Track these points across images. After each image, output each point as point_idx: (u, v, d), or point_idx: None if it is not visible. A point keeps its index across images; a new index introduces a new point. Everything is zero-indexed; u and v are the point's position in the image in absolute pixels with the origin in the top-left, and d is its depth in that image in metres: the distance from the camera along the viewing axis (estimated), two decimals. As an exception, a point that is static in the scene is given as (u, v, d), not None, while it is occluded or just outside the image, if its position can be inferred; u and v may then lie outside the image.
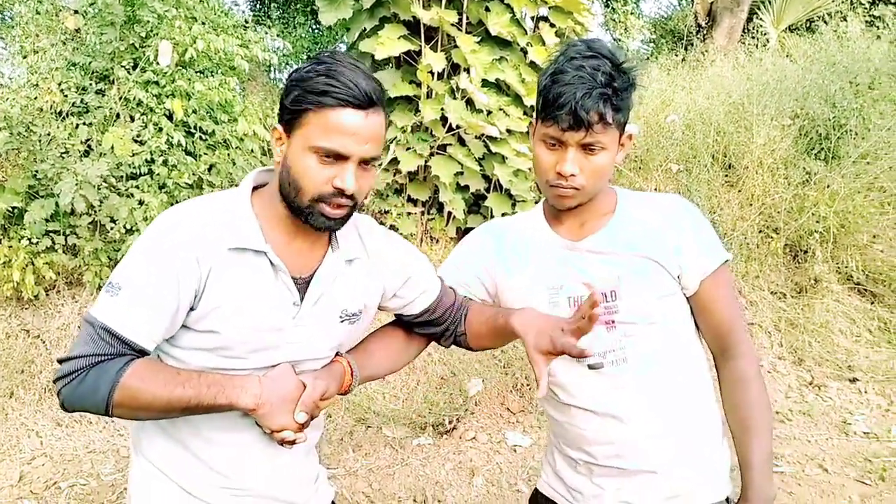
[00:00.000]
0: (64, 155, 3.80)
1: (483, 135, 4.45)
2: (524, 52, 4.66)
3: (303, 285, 1.28)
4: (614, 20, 11.41)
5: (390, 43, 4.34)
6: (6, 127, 3.76)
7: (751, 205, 5.08)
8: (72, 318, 3.85)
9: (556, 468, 1.54)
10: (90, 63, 4.05)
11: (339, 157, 1.17)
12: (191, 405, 1.17)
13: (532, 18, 4.86)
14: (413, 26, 4.50)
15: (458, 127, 4.42)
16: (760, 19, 8.64)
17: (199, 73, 4.34)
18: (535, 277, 1.44)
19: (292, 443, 1.26)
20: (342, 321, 1.33)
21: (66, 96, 3.98)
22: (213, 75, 4.42)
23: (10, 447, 3.36)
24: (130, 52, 4.09)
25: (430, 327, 1.51)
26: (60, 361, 1.15)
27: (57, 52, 4.17)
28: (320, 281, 1.29)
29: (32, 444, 3.40)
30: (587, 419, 1.42)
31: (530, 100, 4.53)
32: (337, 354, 1.39)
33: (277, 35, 7.35)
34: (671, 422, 1.40)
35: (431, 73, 4.36)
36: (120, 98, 4.02)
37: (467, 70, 4.39)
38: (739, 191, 5.18)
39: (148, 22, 4.02)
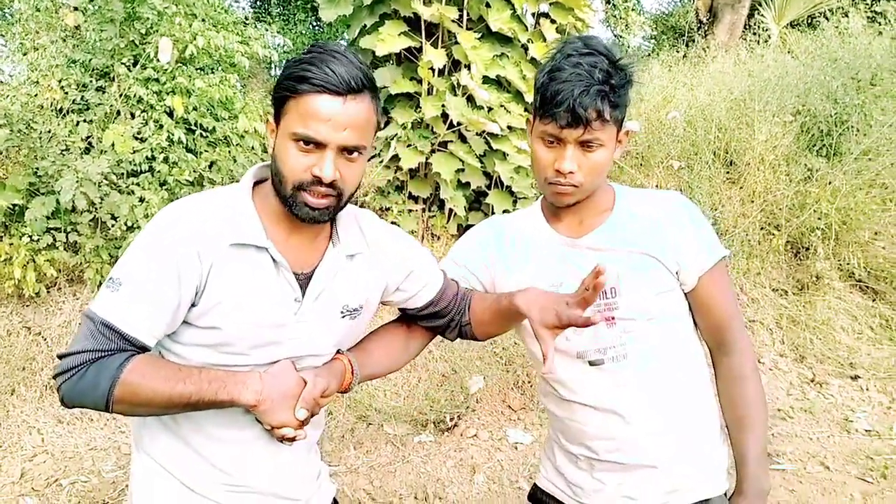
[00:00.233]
0: (64, 152, 3.80)
1: (484, 131, 4.44)
2: (525, 48, 4.65)
3: (304, 281, 1.28)
4: (615, 16, 11.39)
5: (391, 39, 4.33)
6: (7, 124, 3.75)
7: (752, 201, 5.07)
8: (73, 316, 3.85)
9: (556, 463, 1.54)
10: (90, 60, 4.05)
11: (318, 145, 1.16)
12: (191, 401, 1.17)
13: (533, 15, 4.85)
14: (414, 23, 4.49)
15: (458, 124, 4.41)
16: (762, 15, 8.63)
17: (199, 70, 4.34)
18: (535, 275, 1.44)
19: (292, 440, 1.26)
20: (343, 316, 1.33)
21: (66, 93, 3.98)
22: (213, 72, 4.41)
23: (12, 444, 3.36)
24: (130, 48, 4.08)
25: (435, 320, 1.50)
26: (60, 357, 1.15)
27: (57, 49, 4.16)
28: (321, 276, 1.29)
29: (34, 441, 3.40)
30: (588, 415, 1.42)
31: (531, 96, 4.52)
32: (338, 352, 1.39)
33: (278, 32, 7.34)
34: (671, 418, 1.40)
35: (432, 69, 4.35)
36: (120, 95, 4.02)
37: (468, 67, 4.38)
38: (741, 187, 5.17)
39: (148, 19, 4.02)
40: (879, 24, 7.87)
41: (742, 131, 5.28)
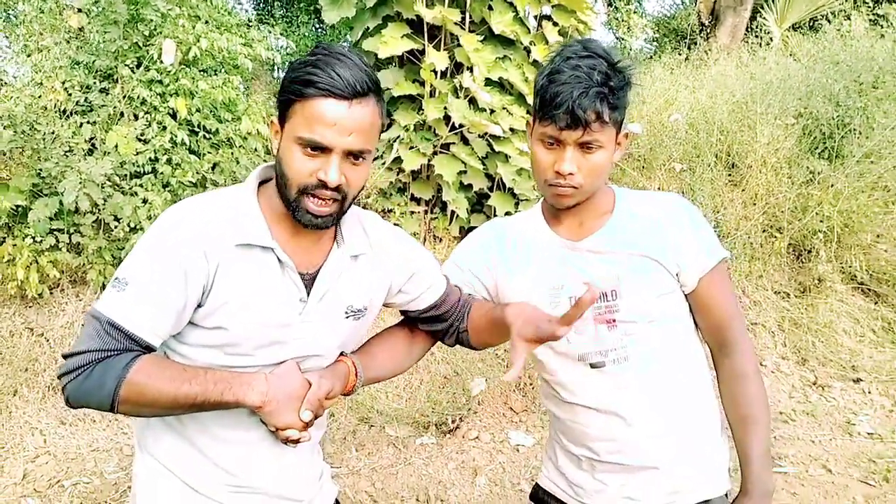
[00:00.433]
0: (68, 153, 3.80)
1: (486, 134, 4.45)
2: (527, 50, 4.65)
3: (309, 281, 1.28)
4: (617, 19, 11.40)
5: (393, 42, 4.34)
6: (10, 125, 3.76)
7: (754, 204, 5.07)
8: (76, 317, 3.86)
9: (557, 463, 1.55)
10: (94, 61, 4.05)
11: (323, 150, 1.16)
12: (197, 402, 1.17)
13: (535, 17, 4.85)
14: (416, 25, 4.49)
15: (461, 126, 4.41)
16: (764, 18, 8.62)
17: (202, 72, 4.35)
18: (537, 278, 1.44)
19: (296, 441, 1.26)
20: (347, 317, 1.34)
21: (69, 95, 3.99)
22: (216, 74, 4.42)
23: (14, 445, 3.37)
24: (134, 50, 4.09)
25: (436, 323, 1.50)
26: (65, 357, 1.14)
27: (61, 50, 4.17)
28: (326, 277, 1.29)
29: (36, 443, 3.40)
30: (590, 417, 1.43)
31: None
32: (342, 354, 1.40)
33: (281, 34, 7.36)
34: (672, 419, 1.41)
35: (434, 71, 4.36)
36: (124, 97, 4.03)
37: (470, 69, 4.39)
38: (743, 190, 5.17)
39: (151, 21, 4.03)
40: (881, 27, 7.86)
41: (744, 134, 5.28)
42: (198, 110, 4.14)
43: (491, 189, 4.72)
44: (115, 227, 3.78)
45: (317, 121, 1.14)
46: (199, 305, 1.20)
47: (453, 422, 3.75)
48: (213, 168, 4.20)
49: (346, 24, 4.85)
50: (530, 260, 1.47)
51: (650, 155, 5.41)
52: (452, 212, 4.72)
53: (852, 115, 5.13)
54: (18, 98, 3.97)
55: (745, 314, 4.51)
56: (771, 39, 8.27)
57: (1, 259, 3.62)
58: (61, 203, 3.61)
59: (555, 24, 4.70)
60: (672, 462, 1.40)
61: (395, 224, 4.59)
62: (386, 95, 4.63)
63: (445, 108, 4.38)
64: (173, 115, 4.07)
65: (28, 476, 3.19)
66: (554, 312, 1.40)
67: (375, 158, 4.59)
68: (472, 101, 4.45)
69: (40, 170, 3.71)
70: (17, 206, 3.67)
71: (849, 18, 8.29)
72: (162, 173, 3.96)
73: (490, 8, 4.50)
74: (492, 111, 4.47)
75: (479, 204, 4.90)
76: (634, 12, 11.46)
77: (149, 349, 1.18)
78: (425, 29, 4.46)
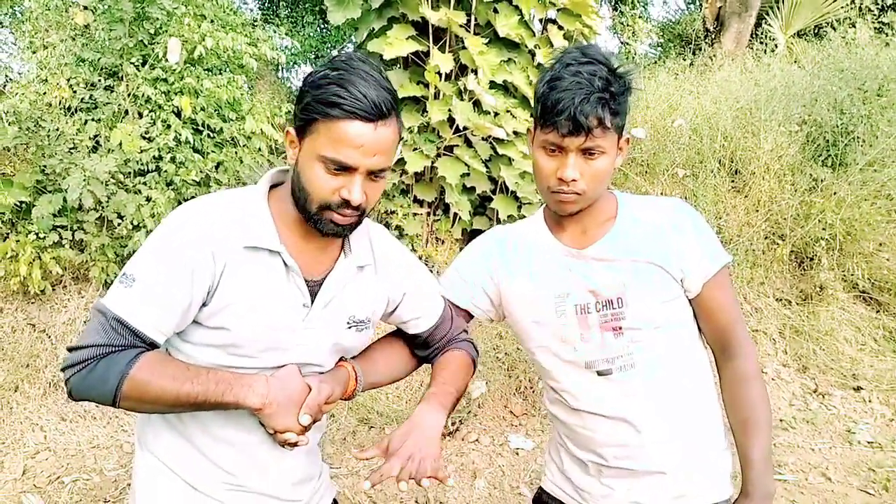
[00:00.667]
0: (72, 150, 3.81)
1: (490, 136, 4.45)
2: (532, 54, 4.65)
3: (314, 288, 1.29)
4: (622, 23, 11.40)
5: (398, 43, 4.34)
6: (15, 122, 3.77)
7: (757, 211, 5.07)
8: (78, 314, 3.86)
9: (562, 468, 1.55)
10: (99, 59, 4.06)
11: (346, 169, 1.17)
12: (198, 401, 1.18)
13: (540, 20, 4.85)
14: (421, 27, 4.50)
15: (465, 128, 4.41)
16: (769, 24, 8.62)
17: (207, 71, 4.36)
18: (540, 285, 1.44)
19: (294, 444, 1.27)
20: (349, 327, 1.34)
21: (74, 92, 4.00)
22: (221, 73, 4.43)
23: (15, 441, 3.37)
24: (139, 48, 4.10)
25: (420, 349, 1.53)
26: (70, 350, 1.15)
27: (66, 47, 4.18)
28: (331, 285, 1.30)
29: (36, 439, 3.41)
30: (598, 423, 1.43)
31: (538, 102, 4.52)
32: (341, 359, 1.40)
33: (286, 34, 7.37)
34: (678, 425, 1.42)
35: (439, 73, 4.35)
36: (128, 94, 4.03)
37: (475, 71, 4.39)
38: (746, 196, 5.17)
39: (157, 19, 4.04)
40: (886, 34, 7.86)
41: (748, 140, 5.28)
42: (202, 109, 4.15)
43: (494, 192, 4.72)
44: (119, 224, 3.78)
45: (343, 143, 1.14)
46: (204, 304, 1.21)
47: (453, 424, 3.75)
48: (216, 167, 4.21)
49: (351, 25, 4.85)
50: (532, 265, 1.47)
51: (653, 160, 5.41)
52: (455, 214, 4.72)
53: (856, 123, 5.13)
54: (23, 95, 3.98)
55: (745, 321, 4.50)
56: (776, 46, 8.27)
57: (4, 255, 3.63)
58: (65, 200, 3.62)
59: (560, 27, 4.70)
60: (678, 467, 1.41)
61: (397, 226, 4.60)
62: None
63: (449, 110, 4.38)
64: (178, 114, 4.08)
65: (28, 472, 3.20)
66: (559, 320, 1.41)
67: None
68: (477, 104, 4.45)
69: (44, 166, 3.72)
70: (21, 203, 3.68)
71: (854, 26, 8.29)
72: (166, 171, 3.96)
73: (495, 11, 4.50)
74: (496, 114, 4.47)
75: (481, 206, 4.90)
76: (640, 17, 11.46)
77: (153, 346, 1.18)
78: (430, 31, 4.46)
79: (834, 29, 7.55)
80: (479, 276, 1.54)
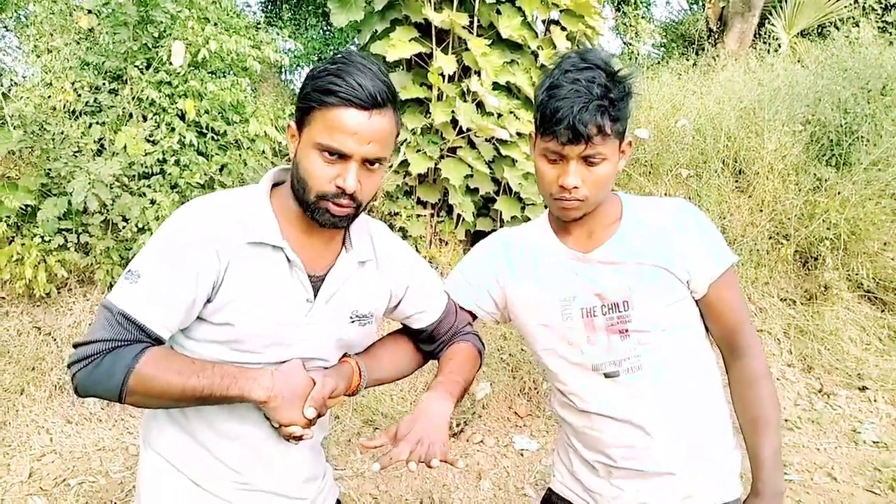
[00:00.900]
0: (77, 154, 3.82)
1: (493, 138, 4.45)
2: (535, 55, 4.66)
3: (317, 283, 1.30)
4: (625, 24, 11.39)
5: (401, 45, 4.34)
6: (20, 125, 3.79)
7: (761, 211, 5.06)
8: (83, 316, 3.87)
9: (572, 469, 1.55)
10: (103, 62, 4.08)
11: (342, 157, 1.19)
12: (203, 395, 1.19)
13: (543, 22, 4.85)
14: (424, 29, 4.50)
15: (468, 130, 4.42)
16: (772, 24, 8.61)
17: (211, 74, 4.37)
18: (546, 289, 1.45)
19: (299, 438, 1.28)
20: (352, 322, 1.35)
21: (79, 95, 4.01)
22: (225, 76, 4.44)
23: (21, 444, 3.38)
24: (143, 52, 4.11)
25: (426, 344, 1.54)
26: (76, 346, 1.16)
27: (70, 51, 4.20)
28: (333, 280, 1.31)
29: (42, 441, 3.42)
30: (606, 424, 1.44)
31: (541, 103, 4.52)
32: (345, 355, 1.41)
33: (289, 36, 7.39)
34: (685, 426, 1.42)
35: (442, 75, 4.36)
36: (133, 98, 4.05)
37: (478, 73, 4.39)
38: (750, 196, 5.17)
39: (161, 22, 4.05)
40: (890, 34, 7.86)
41: (751, 140, 5.27)
42: (206, 112, 4.16)
43: (497, 193, 4.73)
44: (123, 227, 3.79)
45: (337, 129, 1.17)
46: (209, 301, 1.22)
47: (458, 425, 3.75)
48: (220, 169, 4.22)
49: (354, 27, 4.86)
50: (538, 269, 1.47)
51: (657, 160, 5.41)
52: (459, 215, 4.72)
53: (860, 123, 5.12)
54: (28, 98, 4.00)
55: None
56: (779, 46, 8.26)
57: (9, 258, 3.64)
58: (70, 203, 3.63)
59: (563, 28, 4.70)
60: (687, 467, 1.41)
61: (401, 227, 4.60)
62: (393, 99, 4.64)
63: (453, 111, 4.39)
64: (182, 117, 4.09)
65: (34, 474, 3.21)
66: (565, 324, 1.42)
67: (382, 161, 4.60)
68: (480, 105, 4.45)
69: (49, 170, 3.74)
70: (26, 206, 3.69)
71: (857, 25, 8.28)
72: (170, 174, 3.98)
73: (498, 12, 4.50)
74: (499, 115, 4.47)
75: (485, 208, 4.91)
76: (642, 17, 11.46)
77: (158, 341, 1.20)
78: (433, 33, 4.47)
79: (837, 28, 7.55)
80: (484, 278, 1.55)
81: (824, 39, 7.68)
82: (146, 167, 3.93)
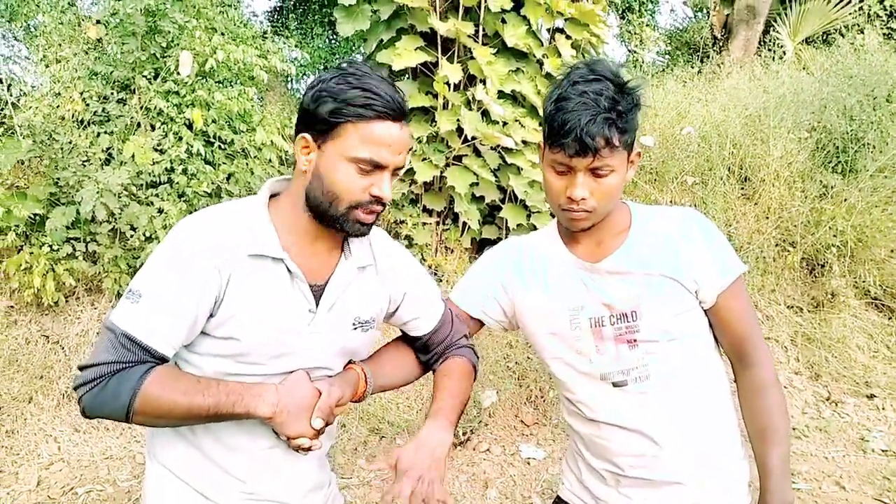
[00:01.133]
0: (85, 163, 3.85)
1: (498, 146, 4.46)
2: (540, 63, 4.67)
3: (318, 292, 1.30)
4: (630, 32, 11.42)
5: (407, 54, 4.37)
6: (29, 135, 3.82)
7: (767, 218, 5.05)
8: (91, 325, 3.89)
9: (580, 477, 1.55)
10: (112, 72, 4.11)
11: (376, 167, 1.22)
12: (210, 413, 1.19)
13: (548, 30, 4.87)
14: (430, 38, 4.53)
15: (473, 138, 4.43)
16: (777, 32, 8.62)
17: (218, 84, 4.40)
18: (555, 298, 1.45)
19: (308, 449, 1.28)
20: (355, 328, 1.36)
21: (87, 105, 4.04)
22: (232, 85, 4.47)
23: (29, 452, 3.39)
24: (151, 62, 4.14)
25: (422, 354, 1.54)
26: (81, 368, 1.16)
27: (79, 61, 4.23)
28: (334, 288, 1.32)
29: (50, 450, 3.43)
30: (614, 433, 1.44)
31: (546, 111, 4.53)
32: (350, 362, 1.42)
33: (295, 46, 7.43)
34: (693, 435, 1.42)
35: (448, 84, 4.38)
36: (141, 107, 4.08)
37: (483, 81, 4.41)
38: (756, 204, 5.16)
39: (169, 33, 4.08)
40: (895, 41, 7.84)
41: (757, 147, 5.27)
42: (213, 121, 4.19)
43: (503, 201, 4.74)
44: (131, 236, 3.82)
45: (375, 142, 1.20)
46: (211, 316, 1.22)
47: (464, 434, 3.75)
48: (227, 178, 4.24)
49: (360, 37, 4.89)
50: (548, 278, 1.47)
51: (662, 168, 5.41)
52: (464, 223, 4.73)
53: (866, 130, 5.12)
54: (37, 108, 4.03)
55: (757, 328, 4.49)
56: (784, 53, 8.26)
57: (18, 267, 3.67)
58: (78, 212, 3.66)
59: (568, 37, 4.72)
60: (695, 476, 1.41)
61: (406, 235, 4.60)
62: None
63: (458, 120, 4.41)
64: (189, 126, 4.12)
65: (42, 483, 3.22)
66: (573, 333, 1.42)
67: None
68: (485, 114, 4.47)
69: (58, 179, 3.76)
70: (35, 215, 3.72)
71: (862, 32, 8.27)
72: (178, 183, 4.00)
73: (503, 21, 4.52)
74: (504, 123, 4.49)
75: (490, 216, 4.91)
76: (647, 25, 11.48)
77: (163, 360, 1.20)
78: (439, 41, 4.49)
79: (842, 35, 7.54)
80: (492, 286, 1.55)
81: (829, 46, 7.67)
82: (154, 176, 3.95)
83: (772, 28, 8.74)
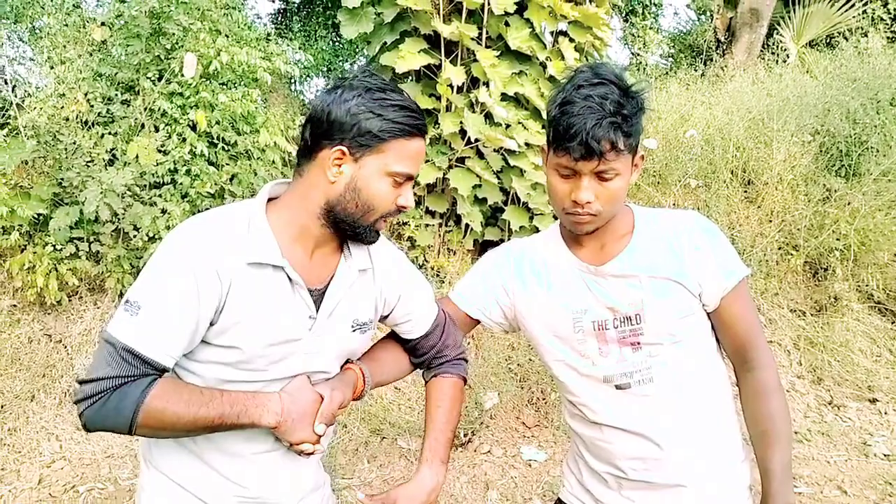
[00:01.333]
0: (89, 163, 3.87)
1: (501, 148, 4.47)
2: (543, 66, 4.68)
3: (318, 296, 1.30)
4: (633, 35, 11.42)
5: (411, 57, 4.38)
6: (33, 135, 3.84)
7: (770, 221, 5.05)
8: (93, 324, 3.90)
9: (581, 479, 1.55)
10: (116, 74, 4.12)
11: (407, 179, 1.28)
12: (214, 425, 1.18)
13: (551, 33, 4.88)
14: (433, 40, 4.54)
15: (476, 140, 4.44)
16: (780, 35, 8.61)
17: (222, 85, 4.41)
18: (558, 301, 1.45)
19: (311, 453, 1.29)
20: (354, 330, 1.36)
21: (91, 106, 4.06)
22: (236, 87, 4.48)
23: (31, 450, 3.40)
24: (156, 63, 4.16)
25: (413, 355, 1.55)
26: (81, 383, 1.14)
27: (84, 62, 4.24)
28: (334, 292, 1.32)
29: (52, 448, 3.44)
30: (617, 436, 1.43)
31: (549, 114, 4.53)
32: (347, 361, 1.42)
33: (299, 48, 7.44)
34: (696, 438, 1.41)
35: (451, 86, 4.39)
36: (145, 108, 4.09)
37: (486, 84, 4.42)
38: (759, 207, 5.16)
39: (173, 34, 4.09)
40: (899, 44, 7.82)
41: (760, 151, 5.27)
42: (217, 122, 4.20)
43: (505, 203, 4.74)
44: (135, 236, 3.83)
45: (412, 157, 1.27)
46: (212, 324, 1.20)
47: (465, 435, 3.75)
48: (231, 179, 4.25)
49: (363, 39, 4.89)
50: (550, 281, 1.47)
51: (665, 171, 5.41)
52: (467, 225, 4.73)
53: (869, 133, 5.11)
54: (42, 109, 4.04)
55: (759, 332, 4.48)
56: (787, 56, 8.25)
57: (21, 266, 3.68)
58: (82, 212, 3.67)
59: (571, 40, 4.72)
60: (697, 479, 1.41)
61: (409, 237, 4.60)
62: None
63: (461, 122, 4.41)
64: (193, 127, 4.13)
65: (44, 481, 3.23)
66: (576, 336, 1.42)
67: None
68: (488, 116, 4.47)
69: (62, 179, 3.78)
70: (39, 215, 3.73)
71: (866, 35, 8.25)
72: (181, 184, 4.01)
73: (507, 24, 4.53)
74: (507, 126, 4.49)
75: (493, 218, 4.92)
76: (650, 28, 11.48)
77: (164, 371, 1.18)
78: (442, 44, 4.50)
79: (846, 39, 7.53)
80: (493, 288, 1.55)
81: (833, 50, 7.66)
82: (157, 177, 3.96)
83: (775, 31, 8.73)
